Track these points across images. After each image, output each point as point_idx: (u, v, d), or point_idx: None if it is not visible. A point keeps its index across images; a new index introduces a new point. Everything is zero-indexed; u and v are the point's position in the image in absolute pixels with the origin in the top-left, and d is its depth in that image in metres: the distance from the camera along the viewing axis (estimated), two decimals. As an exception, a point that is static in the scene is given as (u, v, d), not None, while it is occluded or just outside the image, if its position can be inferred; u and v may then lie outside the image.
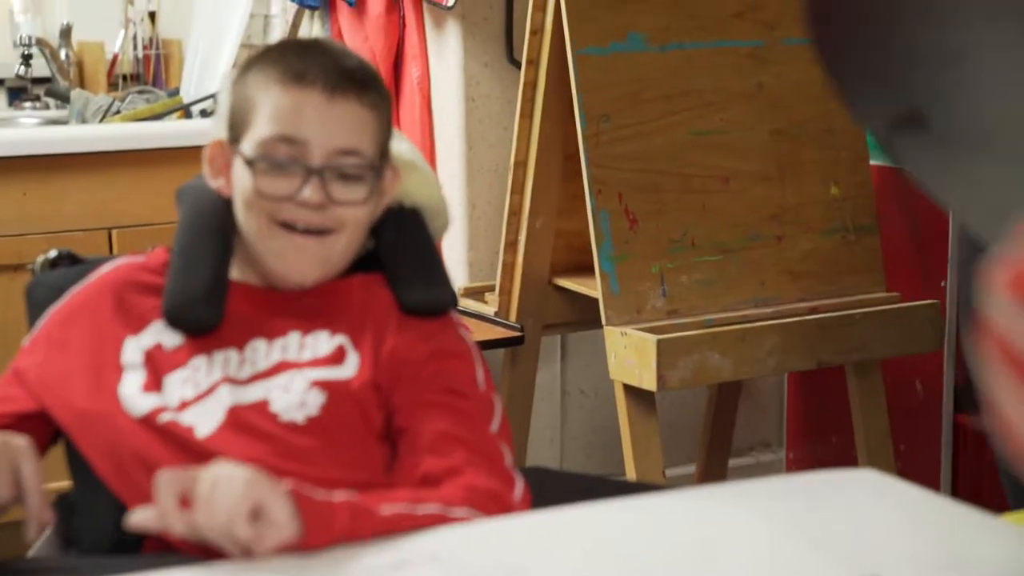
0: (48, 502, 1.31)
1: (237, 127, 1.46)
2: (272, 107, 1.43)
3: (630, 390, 2.40)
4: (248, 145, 1.44)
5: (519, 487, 1.39)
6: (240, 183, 1.46)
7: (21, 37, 3.36)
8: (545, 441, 3.05)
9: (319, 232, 1.44)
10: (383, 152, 1.48)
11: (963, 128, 0.91)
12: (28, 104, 3.40)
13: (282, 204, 1.43)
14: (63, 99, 3.33)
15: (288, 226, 1.44)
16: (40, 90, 3.41)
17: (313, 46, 1.49)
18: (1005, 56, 0.86)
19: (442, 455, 1.36)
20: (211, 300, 1.46)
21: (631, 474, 2.43)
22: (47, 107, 3.39)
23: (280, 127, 1.42)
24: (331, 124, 1.42)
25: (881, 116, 0.92)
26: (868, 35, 0.92)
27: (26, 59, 3.36)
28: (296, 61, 1.44)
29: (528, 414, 2.85)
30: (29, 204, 2.87)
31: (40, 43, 3.36)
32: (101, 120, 3.15)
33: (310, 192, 1.42)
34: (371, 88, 1.46)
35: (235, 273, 1.50)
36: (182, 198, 1.57)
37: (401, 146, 1.59)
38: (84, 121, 3.20)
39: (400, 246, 1.54)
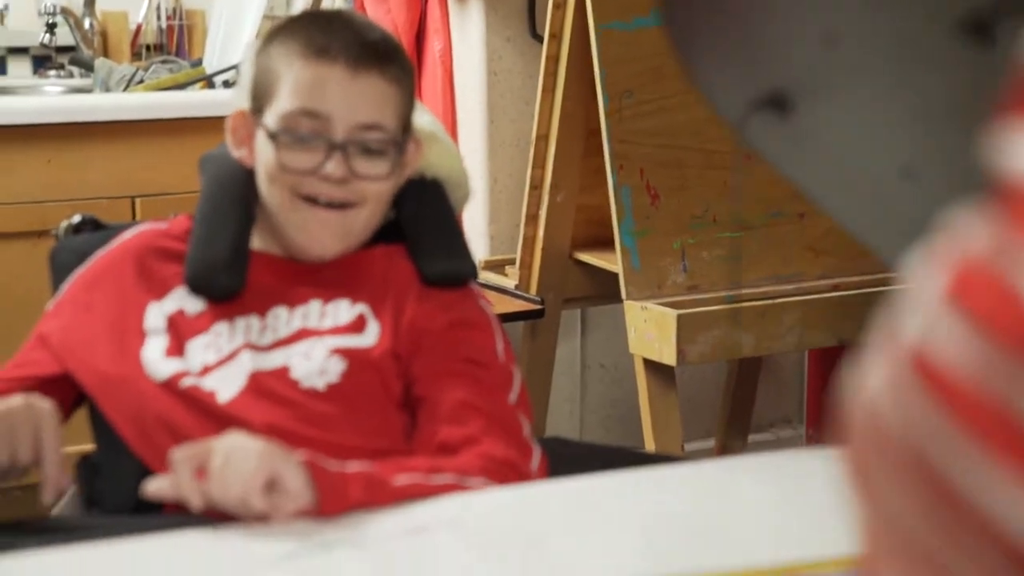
0: (66, 467, 1.33)
1: (260, 99, 1.47)
2: (295, 81, 1.43)
3: (650, 364, 2.40)
4: (271, 118, 1.44)
5: (536, 457, 1.39)
6: (263, 156, 1.46)
7: (45, 6, 3.37)
8: (564, 414, 3.06)
9: (341, 206, 1.45)
10: (406, 125, 1.49)
11: (830, 113, 0.87)
12: (52, 72, 3.41)
13: (305, 178, 1.43)
14: (87, 68, 3.34)
15: (311, 200, 1.44)
16: (64, 59, 3.42)
17: (336, 18, 1.49)
18: (878, 45, 0.83)
19: (460, 424, 1.37)
20: (233, 267, 1.47)
21: (650, 448, 2.43)
22: (71, 75, 3.40)
23: (303, 101, 1.42)
24: (354, 99, 1.43)
25: (738, 99, 0.87)
26: (727, 16, 0.87)
27: (50, 28, 3.37)
28: (319, 35, 1.44)
29: (547, 387, 2.85)
30: (53, 171, 2.88)
31: (64, 12, 3.37)
32: (124, 89, 3.15)
33: (333, 167, 1.42)
34: (394, 62, 1.46)
35: (256, 243, 1.51)
36: (204, 166, 1.58)
37: (423, 118, 1.59)
38: (108, 90, 3.21)
39: (421, 217, 1.55)
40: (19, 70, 3.45)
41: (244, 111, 1.49)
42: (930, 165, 0.77)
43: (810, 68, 0.82)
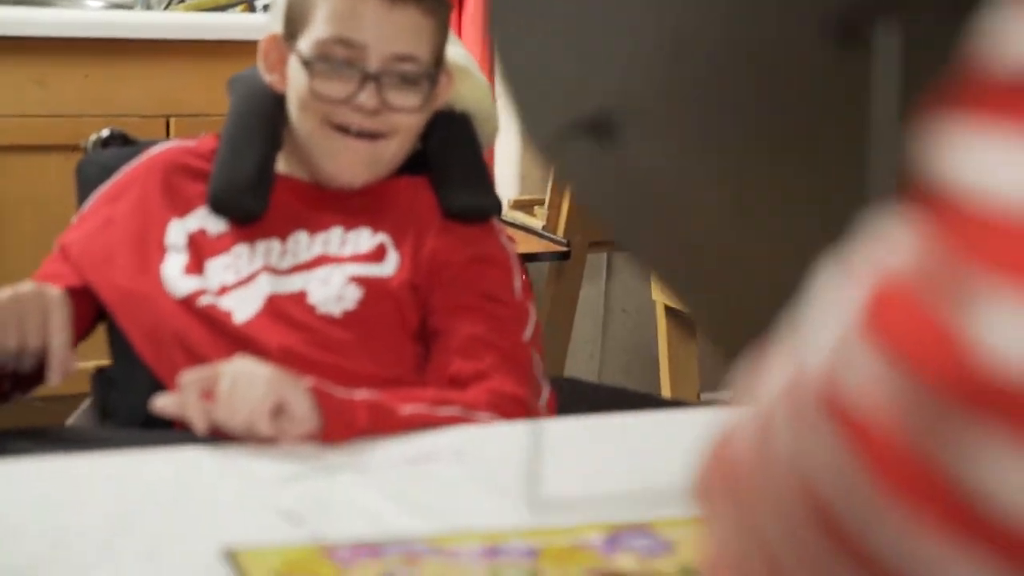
0: (72, 349, 1.34)
1: (294, 23, 1.47)
2: (331, 8, 1.43)
3: (671, 312, 2.41)
4: (305, 44, 1.45)
5: (545, 394, 1.40)
6: (295, 82, 1.46)
7: (91, -80, 3.37)
8: (585, 357, 3.07)
9: (372, 136, 1.45)
10: (439, 58, 1.49)
11: (658, 139, 0.73)
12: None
13: (337, 107, 1.44)
14: (130, -15, 3.34)
15: (342, 128, 1.45)
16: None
17: None
18: (729, 54, 0.69)
19: (472, 358, 1.38)
20: (256, 189, 1.48)
21: (667, 394, 2.44)
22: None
23: (339, 29, 1.42)
24: (390, 29, 1.43)
25: (555, 120, 0.74)
26: (555, 19, 0.75)
27: (95, -58, 3.37)
28: None
29: (569, 329, 2.86)
30: (90, 86, 2.89)
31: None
32: (165, 8, 3.16)
33: (366, 97, 1.42)
34: None
35: (282, 166, 1.52)
36: (234, 87, 1.58)
37: (455, 51, 1.59)
38: (149, 7, 3.21)
39: (448, 150, 1.55)
40: (62, -17, 3.46)
41: (277, 35, 1.50)
42: (766, 199, 0.66)
43: (645, 83, 0.72)
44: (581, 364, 3.05)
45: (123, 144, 1.71)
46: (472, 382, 1.36)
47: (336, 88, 1.43)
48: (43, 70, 2.93)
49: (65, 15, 3.06)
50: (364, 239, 1.47)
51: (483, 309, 1.43)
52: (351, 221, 1.48)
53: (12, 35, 2.89)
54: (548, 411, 1.40)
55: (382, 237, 1.47)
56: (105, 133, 1.70)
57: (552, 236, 2.72)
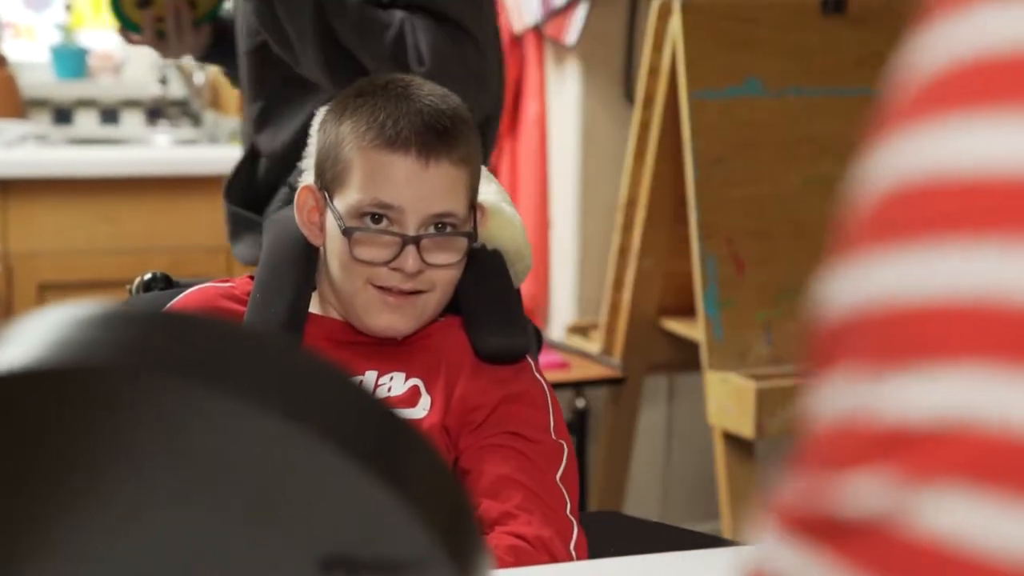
0: None
1: (329, 178, 1.46)
2: (366, 172, 1.43)
3: (729, 437, 2.38)
4: (342, 205, 1.44)
5: (575, 535, 1.38)
6: (335, 242, 1.46)
7: (159, 61, 3.47)
8: (647, 484, 3.03)
9: (414, 292, 1.45)
10: (473, 203, 1.48)
11: None
12: (163, 123, 3.51)
13: (378, 268, 1.44)
14: (196, 120, 3.43)
15: (385, 288, 1.45)
16: (175, 111, 3.52)
17: (404, 96, 1.45)
18: None
19: (499, 499, 1.37)
20: (288, 332, 1.48)
21: (727, 522, 2.40)
22: (178, 127, 3.49)
23: (375, 194, 1.42)
24: (426, 190, 1.42)
25: None
26: None
27: (163, 81, 3.47)
28: (390, 121, 1.42)
29: (628, 454, 2.83)
30: (157, 221, 2.96)
31: (178, 67, 3.47)
32: (230, 141, 3.23)
33: (405, 261, 1.42)
34: (461, 142, 1.45)
35: (315, 307, 1.52)
36: (267, 229, 1.59)
37: (488, 188, 1.59)
38: (214, 141, 3.29)
39: (479, 291, 1.54)
40: (133, 119, 3.55)
41: (312, 188, 1.49)
42: None
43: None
44: (644, 492, 3.01)
45: (166, 286, 1.72)
46: (497, 524, 1.34)
47: (377, 253, 1.43)
48: (113, 207, 3.01)
49: (133, 154, 3.14)
50: (397, 384, 1.46)
51: (512, 447, 1.42)
52: (385, 367, 1.47)
53: (84, 176, 2.98)
54: (578, 553, 1.37)
55: (415, 381, 1.46)
56: (148, 276, 1.71)
57: (607, 360, 2.71)
